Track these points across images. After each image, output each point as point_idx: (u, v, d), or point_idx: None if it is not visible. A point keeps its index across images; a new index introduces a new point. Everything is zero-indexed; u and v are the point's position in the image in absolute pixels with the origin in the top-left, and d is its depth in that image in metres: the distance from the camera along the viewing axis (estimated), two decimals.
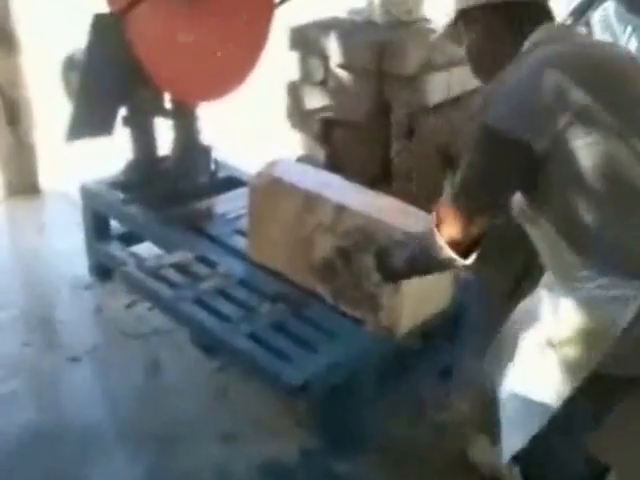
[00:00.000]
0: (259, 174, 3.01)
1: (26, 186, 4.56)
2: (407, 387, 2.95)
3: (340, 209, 2.71)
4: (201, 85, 3.30)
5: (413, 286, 2.57)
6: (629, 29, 5.98)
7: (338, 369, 2.55)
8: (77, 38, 3.24)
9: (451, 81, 3.73)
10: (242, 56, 3.28)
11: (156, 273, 2.96)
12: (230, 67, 3.30)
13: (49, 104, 4.72)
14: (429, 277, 2.32)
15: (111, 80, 3.21)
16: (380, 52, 3.66)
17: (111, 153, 3.87)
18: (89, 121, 3.25)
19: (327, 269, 2.76)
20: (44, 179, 4.62)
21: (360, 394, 2.67)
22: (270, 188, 2.93)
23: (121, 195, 3.51)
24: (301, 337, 2.64)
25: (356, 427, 2.73)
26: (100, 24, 3.06)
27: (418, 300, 2.71)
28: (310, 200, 2.80)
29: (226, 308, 2.79)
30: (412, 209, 2.77)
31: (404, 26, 3.86)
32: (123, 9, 3.03)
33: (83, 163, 4.30)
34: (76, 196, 3.81)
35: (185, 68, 3.17)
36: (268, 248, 3.00)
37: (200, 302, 2.81)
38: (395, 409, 2.92)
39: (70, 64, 3.34)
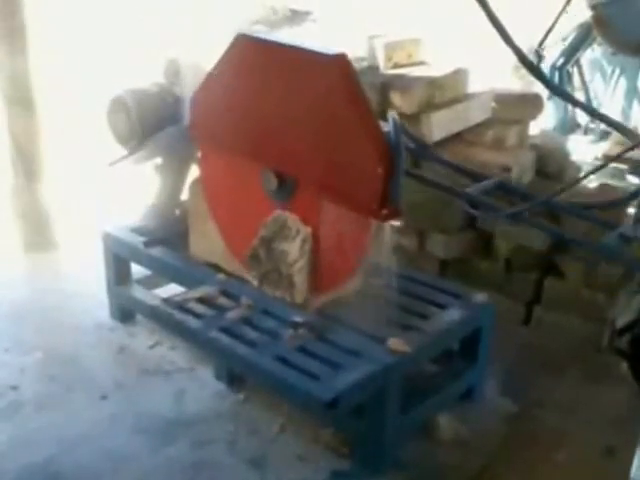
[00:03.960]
0: (195, 177, 3.38)
1: (44, 240, 4.68)
2: (428, 407, 3.05)
3: None
4: None
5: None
6: (617, 70, 6.26)
7: (365, 386, 2.65)
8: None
9: (452, 118, 3.90)
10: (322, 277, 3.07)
11: (183, 307, 3.07)
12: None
13: (64, 159, 4.91)
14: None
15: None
16: (383, 93, 3.83)
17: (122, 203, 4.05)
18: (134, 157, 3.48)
19: (253, 258, 3.10)
20: (61, 232, 4.74)
21: (385, 412, 2.76)
22: None
23: (142, 239, 3.63)
24: (326, 358, 2.75)
25: (383, 445, 2.82)
26: None
27: None
28: None
29: (252, 335, 2.90)
30: None
31: (405, 69, 4.06)
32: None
33: (98, 215, 4.45)
34: (93, 247, 3.97)
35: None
36: (206, 245, 3.39)
37: (227, 330, 2.92)
38: (417, 428, 3.02)
39: (119, 106, 3.50)
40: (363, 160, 2.60)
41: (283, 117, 2.84)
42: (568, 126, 6.17)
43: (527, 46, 6.09)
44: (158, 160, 3.62)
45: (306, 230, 2.94)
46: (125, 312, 3.82)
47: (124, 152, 3.60)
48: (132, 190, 4.21)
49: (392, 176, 2.56)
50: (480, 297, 3.16)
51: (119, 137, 3.57)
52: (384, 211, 2.62)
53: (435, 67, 4.10)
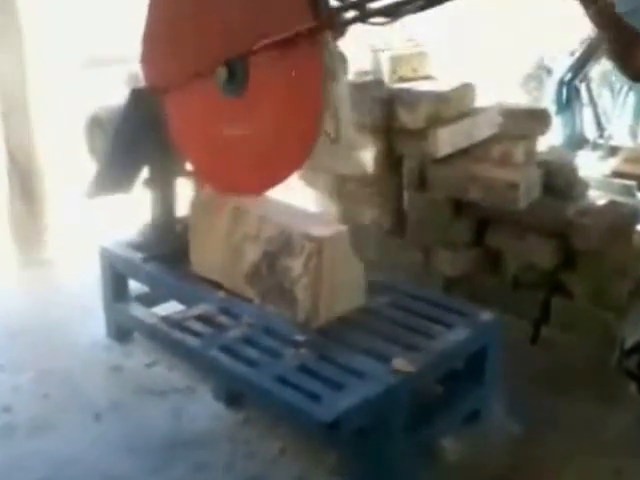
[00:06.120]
0: (197, 192, 3.40)
1: (39, 255, 4.62)
2: (433, 429, 2.96)
3: (262, 219, 3.08)
4: (242, 179, 3.15)
5: (326, 283, 2.91)
6: (626, 86, 6.21)
7: (367, 407, 2.56)
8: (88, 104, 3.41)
9: (458, 133, 3.83)
10: (290, 150, 3.01)
11: (181, 325, 2.99)
12: (277, 161, 3.04)
13: (61, 173, 4.86)
14: (342, 275, 2.94)
15: (138, 145, 3.37)
16: (388, 108, 3.76)
17: (120, 220, 3.99)
18: (111, 179, 3.35)
19: (254, 273, 3.08)
20: (57, 247, 4.68)
21: (389, 434, 2.68)
22: (206, 203, 3.30)
23: (140, 254, 3.56)
24: (328, 378, 2.66)
25: (387, 468, 2.73)
26: (138, 97, 3.28)
27: (332, 295, 2.95)
28: (237, 213, 3.16)
29: (253, 354, 2.82)
30: (321, 215, 3.45)
31: (410, 83, 4.00)
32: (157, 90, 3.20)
33: (95, 230, 4.39)
34: (89, 263, 3.90)
35: (226, 161, 3.16)
36: (206, 260, 3.34)
37: (227, 349, 2.84)
38: (421, 450, 2.93)
39: (94, 123, 3.45)
40: None
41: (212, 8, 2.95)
42: (576, 142, 6.10)
43: (536, 59, 6.08)
44: (144, 174, 3.54)
45: (311, 246, 2.86)
46: (122, 330, 3.73)
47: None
48: (129, 205, 4.13)
49: None
50: (486, 315, 3.09)
51: (96, 155, 3.50)
52: (319, 23, 2.69)
53: (441, 81, 4.04)
